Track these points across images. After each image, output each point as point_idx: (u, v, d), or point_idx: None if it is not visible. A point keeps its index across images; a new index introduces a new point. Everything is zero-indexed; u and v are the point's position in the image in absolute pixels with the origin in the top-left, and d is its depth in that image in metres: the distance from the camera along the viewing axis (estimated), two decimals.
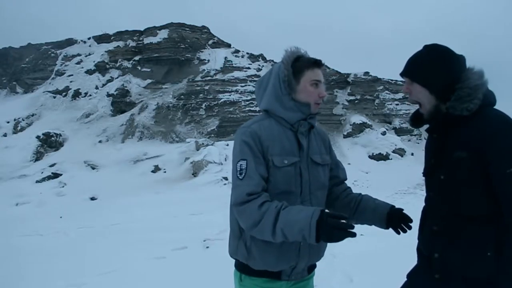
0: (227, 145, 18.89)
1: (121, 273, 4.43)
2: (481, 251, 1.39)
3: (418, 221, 1.66)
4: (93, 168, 19.83)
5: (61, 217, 10.46)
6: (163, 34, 28.15)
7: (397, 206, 1.73)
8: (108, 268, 4.54)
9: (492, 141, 1.35)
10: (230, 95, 25.86)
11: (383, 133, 25.56)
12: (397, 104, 28.55)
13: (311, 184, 1.59)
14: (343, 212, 1.72)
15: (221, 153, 18.12)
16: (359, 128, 26.42)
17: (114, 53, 28.09)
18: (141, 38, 28.51)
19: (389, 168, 22.37)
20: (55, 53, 29.31)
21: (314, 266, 1.72)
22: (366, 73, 29.37)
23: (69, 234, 7.63)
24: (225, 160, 17.55)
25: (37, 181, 18.20)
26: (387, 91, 28.99)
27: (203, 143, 20.26)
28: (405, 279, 1.68)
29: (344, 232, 1.28)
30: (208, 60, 27.89)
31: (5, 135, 23.49)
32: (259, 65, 28.34)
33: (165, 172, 18.65)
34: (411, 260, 1.70)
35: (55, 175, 18.80)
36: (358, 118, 27.01)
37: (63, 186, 17.59)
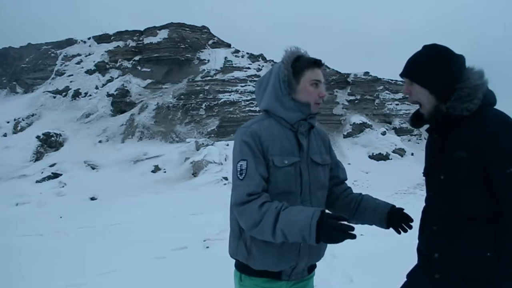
0: (227, 145, 18.88)
1: (121, 273, 4.43)
2: (481, 251, 1.39)
3: (418, 221, 1.66)
4: (93, 168, 19.82)
5: (61, 217, 10.46)
6: (163, 34, 28.14)
7: (397, 206, 1.73)
8: (108, 268, 4.54)
9: (492, 141, 1.35)
10: (230, 95, 25.85)
11: (383, 133, 25.54)
12: (397, 104, 28.54)
13: (311, 184, 1.59)
14: (344, 212, 1.73)
15: (221, 153, 18.12)
16: (359, 128, 26.41)
17: (114, 53, 28.07)
18: (141, 38, 28.50)
19: (389, 168, 22.36)
20: (55, 53, 29.30)
21: (314, 266, 1.72)
22: (366, 73, 29.36)
23: (69, 234, 7.62)
24: (225, 160, 17.54)
25: (37, 181, 18.18)
26: (387, 91, 28.98)
27: (203, 143, 20.24)
28: (405, 279, 1.68)
29: (344, 234, 1.28)
30: (208, 60, 27.88)
31: (5, 135, 23.47)
32: (259, 65, 28.32)
33: (165, 172, 18.63)
34: (411, 260, 1.70)
35: (55, 175, 18.79)
36: (358, 118, 27.00)
37: (63, 186, 17.58)
